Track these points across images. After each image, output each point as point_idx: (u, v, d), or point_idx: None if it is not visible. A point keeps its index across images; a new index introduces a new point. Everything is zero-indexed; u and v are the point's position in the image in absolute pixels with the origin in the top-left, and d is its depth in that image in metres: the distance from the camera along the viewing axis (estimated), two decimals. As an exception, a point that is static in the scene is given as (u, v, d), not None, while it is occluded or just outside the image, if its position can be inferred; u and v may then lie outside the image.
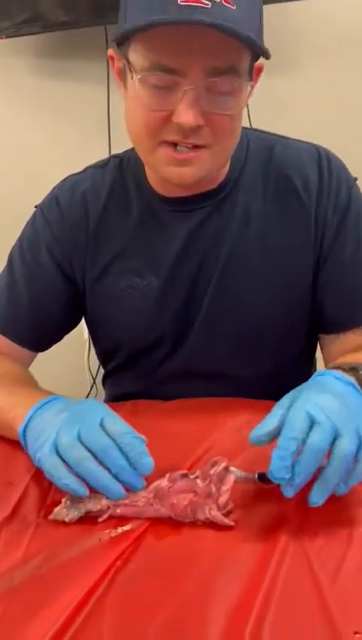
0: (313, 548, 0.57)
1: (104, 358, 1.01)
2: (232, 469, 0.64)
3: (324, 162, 0.84)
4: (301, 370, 0.96)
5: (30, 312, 0.91)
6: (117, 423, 0.64)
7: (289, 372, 0.92)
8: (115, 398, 1.00)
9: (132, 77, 0.71)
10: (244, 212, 0.84)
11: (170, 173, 0.75)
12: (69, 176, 0.93)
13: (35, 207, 0.94)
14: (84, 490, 0.61)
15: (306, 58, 1.66)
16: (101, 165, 0.92)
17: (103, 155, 0.98)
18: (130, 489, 0.62)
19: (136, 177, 0.88)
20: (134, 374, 0.95)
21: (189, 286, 0.86)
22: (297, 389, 0.64)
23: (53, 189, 0.93)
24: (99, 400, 0.82)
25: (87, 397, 1.90)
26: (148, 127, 0.73)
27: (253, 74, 0.76)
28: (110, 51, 0.77)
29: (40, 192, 0.96)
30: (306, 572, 0.54)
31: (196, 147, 0.73)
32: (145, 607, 0.51)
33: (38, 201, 0.95)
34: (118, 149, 0.95)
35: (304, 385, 0.65)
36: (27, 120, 1.86)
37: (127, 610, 0.51)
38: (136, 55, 0.70)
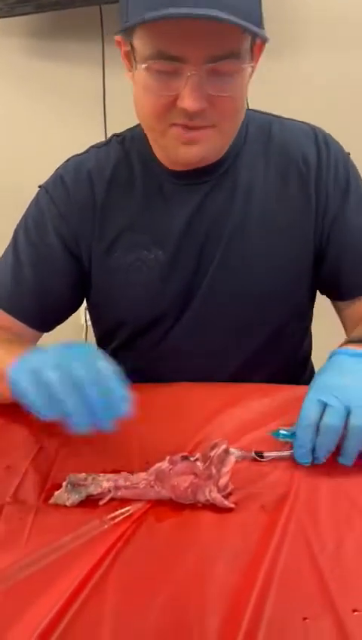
0: (313, 529, 0.57)
1: (103, 340, 1.01)
2: (231, 449, 0.65)
3: (321, 139, 0.88)
4: (299, 339, 1.00)
5: (36, 291, 0.91)
6: (105, 363, 0.61)
7: (287, 342, 0.96)
8: None
9: (137, 64, 0.74)
10: (247, 187, 0.86)
11: (180, 152, 0.78)
12: (72, 156, 0.94)
13: (39, 186, 0.94)
14: (46, 411, 0.59)
15: (305, 40, 1.64)
16: (104, 144, 0.93)
17: (99, 137, 0.98)
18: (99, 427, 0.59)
19: (141, 153, 0.89)
20: (133, 355, 0.96)
21: (194, 260, 0.88)
22: (315, 375, 0.72)
23: (57, 170, 0.93)
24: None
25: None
26: (156, 112, 0.76)
27: (254, 52, 0.77)
28: (117, 37, 0.79)
29: (35, 174, 0.96)
30: (306, 553, 0.54)
31: (202, 127, 0.75)
32: (146, 588, 0.52)
33: (33, 182, 0.95)
34: (115, 130, 0.95)
35: (320, 368, 0.74)
36: (21, 102, 1.84)
37: (127, 591, 0.52)
38: (141, 42, 0.72)
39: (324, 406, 0.65)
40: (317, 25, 1.64)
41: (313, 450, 0.65)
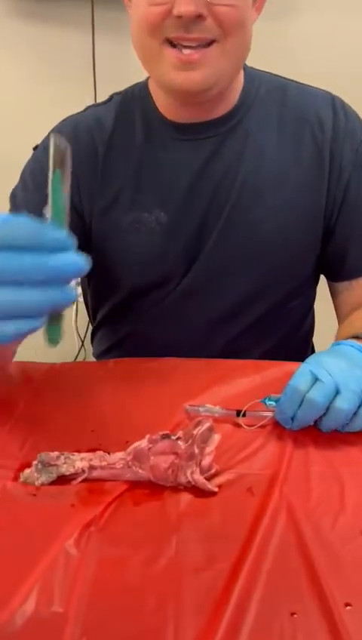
0: (303, 516, 0.52)
1: (97, 303, 0.97)
2: (209, 406, 0.64)
3: (339, 106, 0.84)
4: (300, 317, 0.96)
5: None
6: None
7: (287, 318, 0.92)
8: (105, 351, 0.98)
9: None
10: (258, 145, 0.81)
11: (176, 78, 0.72)
12: (69, 116, 0.89)
13: (34, 148, 0.89)
14: (36, 322, 0.44)
15: (307, 2, 1.57)
16: (103, 103, 0.88)
17: (89, 103, 0.92)
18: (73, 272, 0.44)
19: (144, 108, 0.84)
20: (128, 319, 0.92)
21: (199, 220, 0.83)
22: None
23: (53, 129, 0.88)
24: (88, 359, 0.77)
25: (75, 359, 1.86)
26: (148, 24, 0.70)
27: None
28: None
29: (22, 141, 0.91)
30: (296, 541, 0.49)
31: (202, 47, 0.69)
32: (120, 578, 0.47)
33: (20, 149, 0.90)
34: (105, 96, 0.90)
35: (320, 352, 0.70)
36: (6, 66, 1.76)
37: (99, 582, 0.46)
38: None
39: (315, 380, 0.61)
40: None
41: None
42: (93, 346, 1.06)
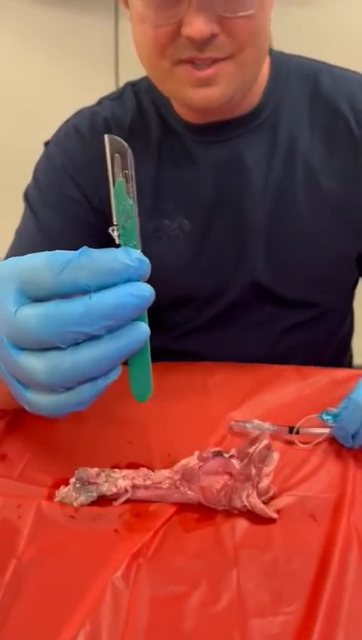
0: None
1: None
2: (257, 422, 0.59)
3: None
4: (339, 321, 0.89)
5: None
6: (40, 269, 0.39)
7: (327, 323, 0.85)
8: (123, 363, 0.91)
9: None
10: (289, 144, 0.73)
11: (193, 95, 0.64)
12: (82, 108, 0.82)
13: (45, 143, 0.82)
14: (113, 374, 0.41)
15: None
16: (118, 96, 0.81)
17: (110, 91, 0.86)
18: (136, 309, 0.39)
19: (158, 108, 0.76)
20: (158, 332, 0.85)
21: (230, 227, 0.75)
22: None
23: (65, 122, 0.82)
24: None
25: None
26: (157, 46, 0.62)
27: None
28: None
29: (39, 131, 0.86)
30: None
31: (217, 60, 0.62)
32: (175, 620, 0.41)
33: (36, 139, 0.84)
34: None
35: None
36: (27, 54, 1.70)
37: (153, 621, 0.41)
38: None
39: None
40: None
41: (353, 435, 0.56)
42: None
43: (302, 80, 0.75)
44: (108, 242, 0.43)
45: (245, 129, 0.73)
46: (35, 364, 0.39)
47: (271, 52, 0.76)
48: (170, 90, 0.69)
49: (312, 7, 1.54)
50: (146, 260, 0.40)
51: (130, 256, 0.39)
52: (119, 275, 0.38)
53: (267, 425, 0.61)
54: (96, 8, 1.63)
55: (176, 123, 0.75)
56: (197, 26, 0.58)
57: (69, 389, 0.40)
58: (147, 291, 0.39)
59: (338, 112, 0.74)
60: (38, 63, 1.71)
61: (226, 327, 0.83)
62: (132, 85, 0.80)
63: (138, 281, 0.39)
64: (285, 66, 0.76)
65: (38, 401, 0.41)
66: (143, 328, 0.40)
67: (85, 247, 0.39)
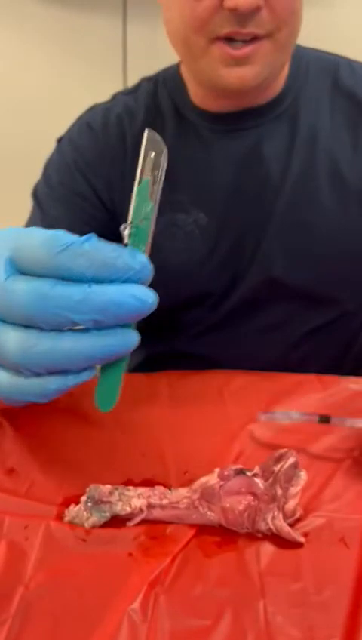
0: None
1: None
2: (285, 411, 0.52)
3: None
4: (359, 326, 0.85)
5: None
6: (35, 245, 0.38)
7: (346, 327, 0.81)
8: (135, 368, 0.87)
9: None
10: (310, 133, 0.72)
11: (228, 75, 0.63)
12: (96, 104, 0.81)
13: (58, 140, 0.81)
14: (86, 374, 0.39)
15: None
16: (132, 91, 0.79)
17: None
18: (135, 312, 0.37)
19: (175, 96, 0.75)
20: (170, 335, 0.81)
21: (244, 222, 0.73)
22: None
23: (79, 118, 0.81)
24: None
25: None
26: (195, 21, 0.60)
27: None
28: None
29: (46, 132, 0.84)
30: None
31: (253, 39, 0.61)
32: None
33: (45, 138, 0.82)
34: None
35: None
36: (32, 52, 1.67)
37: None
38: None
39: None
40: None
41: None
42: None
43: (322, 72, 0.74)
44: (115, 242, 0.41)
45: (265, 118, 0.71)
46: (11, 338, 0.36)
47: None
48: (202, 71, 0.66)
49: (322, 7, 1.52)
50: (150, 266, 0.38)
51: (134, 258, 0.36)
52: (118, 273, 0.36)
53: (294, 413, 0.57)
54: (104, 8, 1.60)
55: (192, 113, 0.73)
56: None
57: (37, 375, 0.36)
58: (150, 297, 0.37)
59: (359, 101, 0.72)
60: (46, 63, 1.68)
61: (238, 328, 0.80)
62: (148, 80, 0.79)
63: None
64: (305, 58, 0.75)
65: None
66: (134, 336, 0.38)
67: (93, 234, 0.36)
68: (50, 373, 0.37)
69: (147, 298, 0.37)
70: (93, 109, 0.81)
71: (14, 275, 0.36)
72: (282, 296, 0.76)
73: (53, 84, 1.66)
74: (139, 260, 0.37)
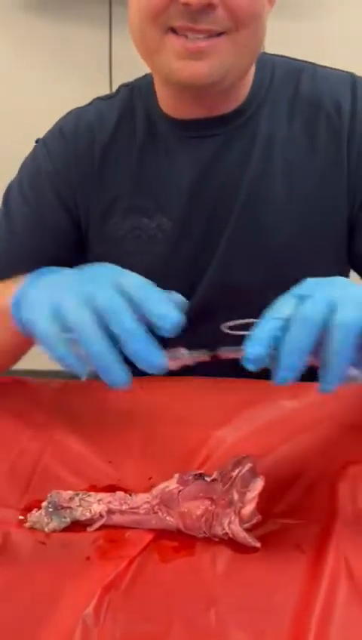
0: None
1: None
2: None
3: (359, 87, 0.74)
4: None
5: (32, 257, 0.76)
6: (135, 278, 0.50)
7: None
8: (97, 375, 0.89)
9: None
10: (268, 140, 0.73)
11: (182, 68, 0.62)
12: (75, 108, 0.82)
13: (36, 141, 0.82)
14: (81, 368, 0.45)
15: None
16: (110, 96, 0.80)
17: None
18: (147, 370, 0.44)
19: (147, 103, 0.76)
20: None
21: (205, 226, 0.74)
22: None
23: (57, 122, 0.82)
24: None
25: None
26: (150, 11, 0.61)
27: None
28: None
29: (31, 144, 0.84)
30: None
31: (211, 36, 0.61)
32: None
33: (27, 152, 0.83)
34: None
35: None
36: (18, 63, 1.69)
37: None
38: None
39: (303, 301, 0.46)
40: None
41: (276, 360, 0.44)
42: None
43: (285, 79, 0.75)
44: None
45: (228, 127, 0.72)
46: (86, 318, 0.45)
47: None
48: (159, 65, 0.66)
49: (312, 21, 1.54)
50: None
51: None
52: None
53: (183, 350, 0.52)
54: (90, 19, 1.62)
55: (161, 120, 0.74)
56: None
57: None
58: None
59: (318, 106, 0.73)
60: (31, 73, 1.70)
61: (199, 333, 0.80)
62: (125, 86, 0.80)
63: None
64: (270, 66, 0.75)
65: None
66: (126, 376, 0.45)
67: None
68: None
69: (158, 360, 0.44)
70: (69, 114, 0.83)
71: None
72: (239, 301, 0.77)
73: (39, 94, 1.67)
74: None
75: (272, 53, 0.78)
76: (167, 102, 0.73)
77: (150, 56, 0.66)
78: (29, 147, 0.85)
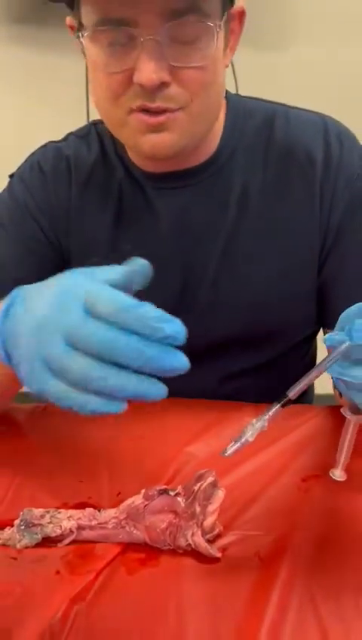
0: (319, 589, 0.46)
1: None
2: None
3: (332, 132, 0.74)
4: (300, 359, 0.87)
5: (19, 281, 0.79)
6: (106, 299, 0.44)
7: (287, 363, 0.82)
8: None
9: (83, 38, 0.61)
10: (242, 190, 0.74)
11: (145, 143, 0.64)
12: (49, 142, 0.83)
13: (10, 176, 0.83)
14: (118, 406, 0.42)
15: (302, 30, 1.55)
16: (83, 135, 0.81)
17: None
18: (172, 372, 0.42)
19: (118, 151, 0.77)
20: None
21: (183, 276, 0.75)
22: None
23: (31, 155, 0.82)
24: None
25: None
26: (111, 94, 0.62)
27: (234, 20, 0.66)
28: (68, 19, 0.66)
29: (8, 170, 0.86)
30: (313, 621, 0.43)
31: (168, 110, 0.62)
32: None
33: (4, 183, 0.84)
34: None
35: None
36: (-1, 92, 1.73)
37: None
38: (85, 13, 0.60)
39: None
40: (315, 13, 1.55)
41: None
42: None
43: (258, 125, 0.75)
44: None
45: (199, 178, 0.73)
46: (78, 361, 0.42)
47: (227, 96, 0.76)
48: (125, 139, 0.69)
49: (278, 52, 1.59)
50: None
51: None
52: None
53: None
54: (67, 50, 1.66)
55: (136, 170, 0.75)
56: (147, 73, 0.59)
57: (85, 391, 0.41)
58: (184, 364, 0.41)
59: (291, 155, 0.73)
60: (8, 105, 1.73)
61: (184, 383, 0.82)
62: (94, 125, 0.81)
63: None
64: (241, 111, 0.76)
65: None
66: (163, 389, 0.42)
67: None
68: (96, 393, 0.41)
69: (181, 365, 0.41)
70: (45, 148, 0.83)
71: (90, 318, 0.42)
72: (222, 343, 0.79)
73: (15, 125, 1.71)
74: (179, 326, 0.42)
75: (245, 95, 0.79)
76: (136, 159, 0.75)
77: (115, 130, 0.69)
78: (4, 177, 0.87)
